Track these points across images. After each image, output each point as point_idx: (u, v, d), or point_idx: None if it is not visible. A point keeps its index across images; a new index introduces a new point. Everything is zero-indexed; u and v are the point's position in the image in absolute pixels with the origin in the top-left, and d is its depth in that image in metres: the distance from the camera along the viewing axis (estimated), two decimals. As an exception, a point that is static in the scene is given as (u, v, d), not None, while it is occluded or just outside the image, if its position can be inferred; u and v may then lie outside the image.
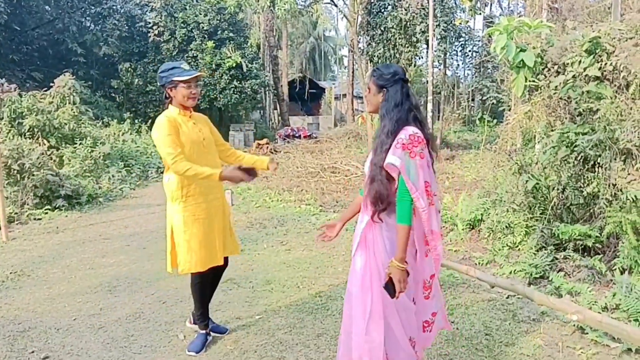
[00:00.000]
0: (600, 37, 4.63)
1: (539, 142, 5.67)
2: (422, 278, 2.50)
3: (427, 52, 16.25)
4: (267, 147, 17.30)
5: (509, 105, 7.86)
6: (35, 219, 7.79)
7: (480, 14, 18.65)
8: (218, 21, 21.75)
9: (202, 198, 3.15)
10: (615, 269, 4.11)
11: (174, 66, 3.10)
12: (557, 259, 4.53)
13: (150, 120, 19.77)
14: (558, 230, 4.61)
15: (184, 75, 3.06)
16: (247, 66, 21.25)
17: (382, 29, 17.27)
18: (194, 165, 2.97)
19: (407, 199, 2.29)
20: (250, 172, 3.03)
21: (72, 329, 3.76)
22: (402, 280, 2.27)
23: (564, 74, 4.87)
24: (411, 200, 2.28)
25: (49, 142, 10.95)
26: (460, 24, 16.56)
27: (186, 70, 3.10)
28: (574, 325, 3.45)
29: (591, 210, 4.66)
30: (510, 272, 4.54)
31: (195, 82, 3.11)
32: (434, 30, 13.94)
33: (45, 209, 8.12)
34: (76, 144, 11.33)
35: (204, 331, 3.42)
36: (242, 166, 3.06)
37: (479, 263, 5.03)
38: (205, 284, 3.35)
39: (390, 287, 2.27)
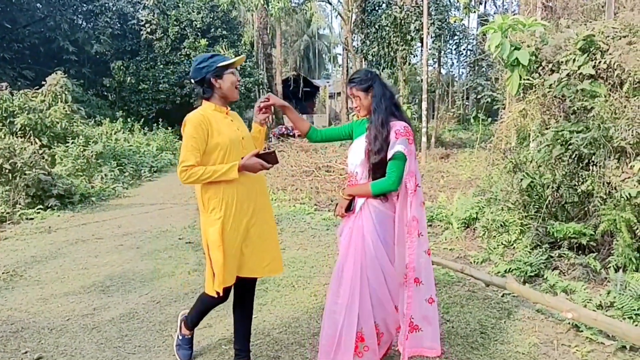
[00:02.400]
0: (594, 36, 4.64)
1: (533, 140, 5.68)
2: (403, 263, 2.73)
3: (421, 50, 16.29)
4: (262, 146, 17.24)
5: (503, 104, 7.87)
6: (27, 218, 7.73)
7: (474, 12, 18.67)
8: (211, 19, 21.72)
9: (245, 205, 2.76)
10: (610, 267, 4.13)
11: (213, 54, 2.81)
12: (551, 257, 4.54)
13: (142, 119, 19.70)
14: (553, 228, 4.62)
15: (229, 60, 2.78)
16: (240, 64, 21.20)
17: (377, 27, 17.26)
18: (207, 167, 2.64)
19: (391, 180, 2.62)
20: (269, 159, 2.71)
21: (65, 329, 3.72)
22: (340, 206, 2.79)
23: (558, 72, 4.87)
24: (392, 184, 2.62)
25: (40, 141, 10.84)
26: (455, 22, 16.58)
27: (227, 57, 2.83)
28: (569, 323, 3.46)
29: (586, 209, 4.67)
30: (505, 271, 4.55)
31: (235, 70, 2.85)
32: (428, 29, 13.95)
33: (38, 209, 8.05)
34: (68, 142, 11.26)
35: (188, 335, 3.18)
36: (259, 152, 2.72)
37: (474, 261, 5.03)
38: (217, 303, 2.95)
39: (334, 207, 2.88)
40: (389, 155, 2.60)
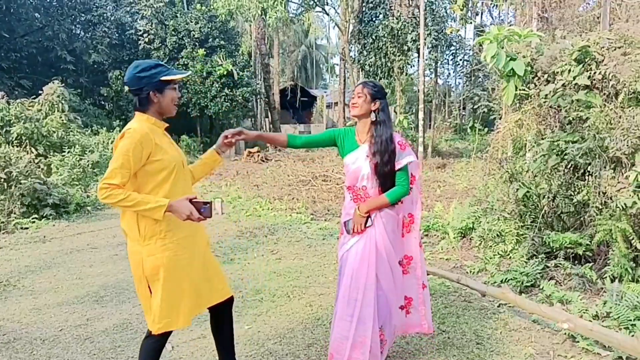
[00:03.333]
0: (589, 46, 4.66)
1: (529, 150, 5.69)
2: (402, 254, 3.03)
3: (418, 60, 16.35)
4: (258, 155, 17.26)
5: (499, 114, 7.90)
6: (22, 228, 7.69)
7: (471, 23, 18.82)
8: (209, 29, 21.80)
9: (187, 232, 2.46)
10: (606, 277, 4.12)
11: (157, 63, 2.44)
12: (548, 267, 4.53)
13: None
14: (549, 238, 4.62)
15: (174, 74, 2.44)
16: (238, 74, 21.27)
17: (374, 37, 17.36)
18: (132, 194, 2.29)
19: (405, 187, 2.84)
20: (204, 210, 2.35)
21: (58, 339, 3.69)
22: (359, 223, 2.83)
23: (553, 82, 4.90)
24: (407, 191, 2.85)
25: (36, 150, 10.84)
26: (451, 33, 16.70)
27: (172, 69, 2.49)
28: (565, 333, 3.44)
29: (582, 219, 4.67)
30: (502, 281, 4.53)
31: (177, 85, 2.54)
32: (425, 39, 14.03)
33: (33, 218, 8.02)
34: (64, 152, 11.24)
35: None
36: (194, 198, 2.37)
37: (470, 271, 5.02)
38: (163, 347, 2.62)
39: (349, 225, 2.89)
40: (401, 165, 2.81)
